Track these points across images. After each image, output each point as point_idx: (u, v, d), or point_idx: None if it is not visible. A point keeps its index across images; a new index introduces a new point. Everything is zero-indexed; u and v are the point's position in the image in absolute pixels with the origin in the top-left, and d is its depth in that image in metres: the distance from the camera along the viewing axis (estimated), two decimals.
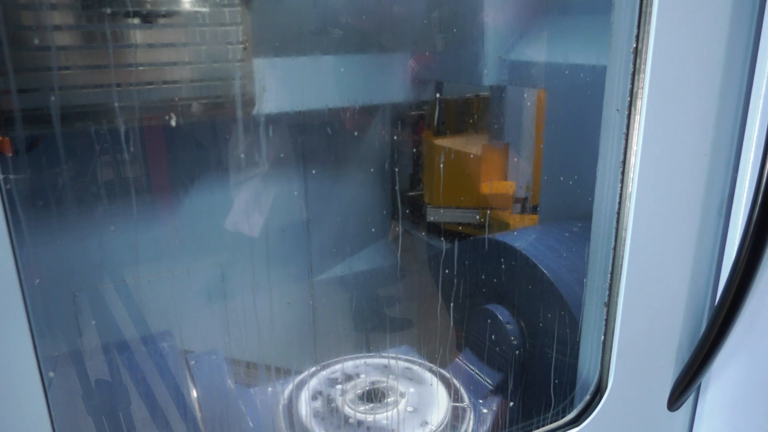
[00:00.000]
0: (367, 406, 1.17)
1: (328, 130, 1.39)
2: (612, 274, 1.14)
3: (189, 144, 1.25)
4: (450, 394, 1.18)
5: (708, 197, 1.12)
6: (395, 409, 1.15)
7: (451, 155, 1.59)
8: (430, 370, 1.26)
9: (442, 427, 1.11)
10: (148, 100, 1.06)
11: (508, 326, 1.29)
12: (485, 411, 1.20)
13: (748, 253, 1.01)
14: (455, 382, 1.20)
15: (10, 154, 0.93)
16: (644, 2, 0.98)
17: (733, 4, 1.00)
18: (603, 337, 1.17)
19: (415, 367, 1.28)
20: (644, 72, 1.00)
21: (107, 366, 1.10)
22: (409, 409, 1.17)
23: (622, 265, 1.11)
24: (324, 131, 1.41)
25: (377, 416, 1.14)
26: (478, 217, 1.67)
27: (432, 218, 1.68)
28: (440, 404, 1.16)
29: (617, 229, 1.11)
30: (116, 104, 1.01)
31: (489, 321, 1.33)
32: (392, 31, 1.42)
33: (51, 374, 0.83)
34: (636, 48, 1.01)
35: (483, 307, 1.35)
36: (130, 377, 1.07)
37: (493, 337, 1.32)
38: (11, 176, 0.79)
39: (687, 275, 1.16)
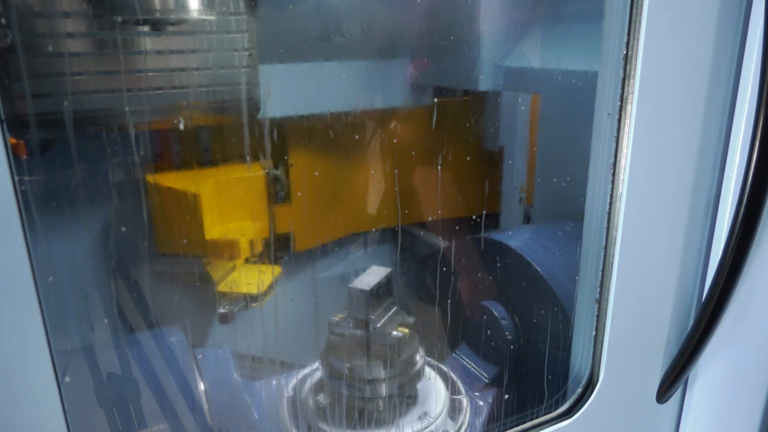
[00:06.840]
0: None
1: None
2: (603, 271, 1.16)
3: (196, 146, 1.28)
4: (447, 387, 1.21)
5: (695, 198, 1.14)
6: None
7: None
8: (429, 365, 1.28)
9: (440, 418, 1.14)
10: (156, 105, 1.09)
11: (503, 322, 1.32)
12: (481, 403, 1.23)
13: (734, 252, 1.04)
14: (452, 375, 1.22)
15: (25, 157, 0.95)
16: (634, 10, 1.00)
17: (719, 12, 1.03)
18: (594, 333, 1.20)
19: None
20: (634, 77, 1.02)
21: (118, 360, 1.13)
22: (409, 401, 1.19)
23: (612, 263, 1.14)
24: None
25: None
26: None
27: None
28: (438, 396, 1.19)
29: (608, 228, 1.14)
30: (126, 108, 1.04)
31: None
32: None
33: (67, 379, 0.86)
34: (626, 54, 1.03)
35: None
36: (141, 371, 1.10)
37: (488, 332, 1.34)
38: (26, 178, 0.81)
39: (675, 273, 1.19)
